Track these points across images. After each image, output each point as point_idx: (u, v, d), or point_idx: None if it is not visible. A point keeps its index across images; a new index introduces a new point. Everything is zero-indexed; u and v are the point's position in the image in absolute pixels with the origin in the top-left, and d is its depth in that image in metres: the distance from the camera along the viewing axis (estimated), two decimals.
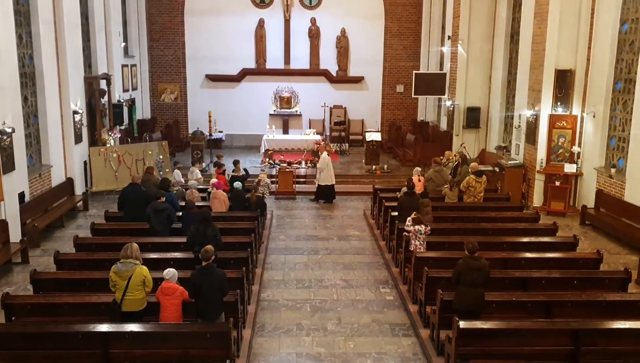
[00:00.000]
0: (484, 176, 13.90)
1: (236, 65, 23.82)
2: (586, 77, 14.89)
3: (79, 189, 15.80)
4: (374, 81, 24.37)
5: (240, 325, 8.33)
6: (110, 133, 17.56)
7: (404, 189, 12.49)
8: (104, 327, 7.18)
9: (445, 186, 13.90)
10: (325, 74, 24.13)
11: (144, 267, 7.61)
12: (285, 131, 23.48)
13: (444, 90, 20.23)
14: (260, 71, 24.01)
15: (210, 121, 20.47)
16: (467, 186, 13.43)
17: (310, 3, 23.95)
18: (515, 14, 18.20)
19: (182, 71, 23.95)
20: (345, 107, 24.07)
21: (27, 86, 13.82)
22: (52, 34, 14.61)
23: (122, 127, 19.19)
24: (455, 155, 16.02)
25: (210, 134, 20.48)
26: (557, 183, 15.13)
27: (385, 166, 19.69)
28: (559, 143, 15.24)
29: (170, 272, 7.58)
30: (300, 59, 24.08)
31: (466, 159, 15.77)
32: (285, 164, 17.91)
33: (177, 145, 22.51)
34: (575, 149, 15.13)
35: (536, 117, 15.53)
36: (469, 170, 14.06)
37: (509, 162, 16.42)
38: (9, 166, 11.76)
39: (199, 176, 15.99)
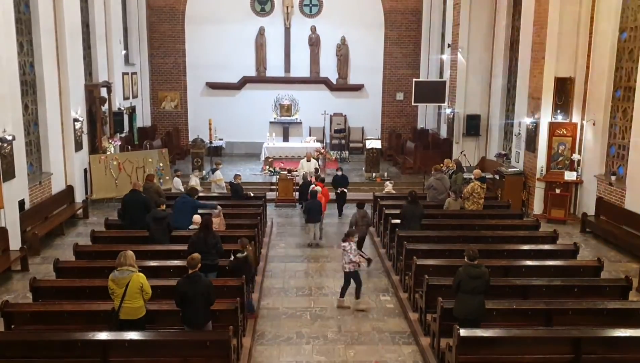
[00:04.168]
0: (486, 182, 13.94)
1: (236, 73, 23.89)
2: (586, 85, 14.93)
3: (79, 197, 15.80)
4: (374, 89, 24.42)
5: (240, 333, 8.31)
6: (110, 141, 17.57)
7: None
8: (103, 335, 7.16)
9: (450, 197, 13.77)
10: (326, 82, 24.19)
11: (141, 274, 7.59)
12: (286, 139, 23.51)
13: (444, 98, 20.27)
14: (260, 78, 24.07)
15: (210, 129, 20.51)
16: (471, 192, 13.42)
17: (311, 11, 24.05)
18: (514, 22, 18.27)
19: (182, 79, 24.01)
20: (345, 115, 24.11)
21: (27, 94, 13.85)
22: (53, 42, 14.66)
23: (123, 135, 19.20)
24: (452, 163, 16.03)
25: (211, 142, 20.52)
26: (557, 191, 15.13)
27: (386, 174, 19.69)
28: (559, 151, 15.26)
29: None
30: (301, 67, 24.14)
31: (461, 167, 15.78)
32: (285, 172, 17.89)
33: (178, 153, 22.53)
34: (575, 156, 15.14)
35: (536, 125, 15.55)
36: (472, 177, 14.08)
37: (509, 170, 16.43)
38: (9, 174, 11.77)
39: (196, 182, 15.98)
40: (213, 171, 16.73)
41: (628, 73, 13.62)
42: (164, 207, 11.03)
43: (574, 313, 8.22)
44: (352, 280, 10.11)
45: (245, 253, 9.43)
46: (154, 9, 23.37)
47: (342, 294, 10.17)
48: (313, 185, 14.64)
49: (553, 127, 15.23)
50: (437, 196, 14.05)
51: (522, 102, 16.60)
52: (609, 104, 14.26)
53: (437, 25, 22.82)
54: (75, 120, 15.51)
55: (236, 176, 15.07)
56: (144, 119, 23.26)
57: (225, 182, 16.22)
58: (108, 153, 16.95)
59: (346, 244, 9.91)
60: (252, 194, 15.15)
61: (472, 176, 14.16)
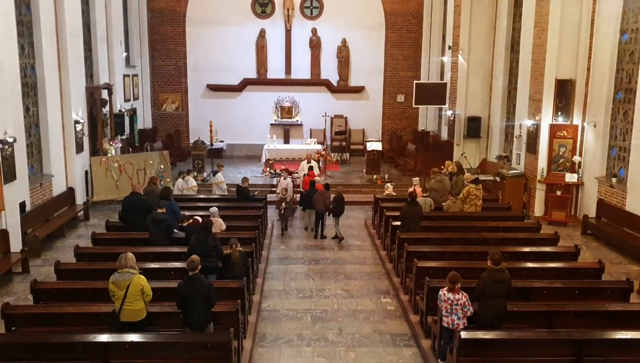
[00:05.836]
0: (480, 183, 13.97)
1: (237, 75, 23.91)
2: (587, 87, 14.92)
3: (80, 198, 15.80)
4: (375, 91, 24.44)
5: (241, 335, 8.30)
6: (111, 143, 17.58)
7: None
8: (104, 337, 7.16)
9: (450, 199, 13.77)
10: (326, 84, 24.20)
11: (142, 277, 7.59)
12: (286, 141, 23.54)
13: (445, 100, 20.27)
14: (261, 80, 24.09)
15: (211, 131, 20.54)
16: (467, 195, 13.42)
17: (311, 13, 24.07)
18: (515, 23, 18.27)
19: (183, 81, 24.05)
20: (346, 117, 24.12)
21: (28, 96, 13.86)
22: (54, 44, 14.67)
23: (124, 137, 19.22)
24: (452, 165, 16.02)
25: (212, 144, 20.53)
26: (558, 193, 15.11)
27: (386, 176, 19.68)
28: (560, 153, 15.25)
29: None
30: (301, 69, 24.17)
31: (462, 169, 15.79)
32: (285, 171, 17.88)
33: (178, 155, 22.54)
34: (576, 158, 15.13)
35: (537, 127, 15.54)
36: (464, 181, 14.10)
37: (510, 171, 16.42)
38: (10, 176, 11.78)
39: (194, 184, 15.94)
40: (214, 173, 16.73)
41: (629, 75, 13.61)
42: (164, 210, 11.01)
43: (575, 316, 8.22)
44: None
45: (229, 251, 9.47)
46: (155, 11, 23.40)
47: (444, 356, 7.91)
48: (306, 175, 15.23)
49: (554, 129, 15.22)
50: (438, 198, 14.04)
51: (523, 104, 16.60)
52: (610, 106, 14.24)
53: (437, 27, 22.84)
54: (76, 122, 15.52)
55: (244, 180, 15.06)
56: (144, 121, 23.28)
57: (226, 184, 16.24)
58: (109, 154, 16.95)
59: (459, 295, 7.66)
60: (256, 193, 15.41)
61: (465, 180, 14.16)
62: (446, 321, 7.74)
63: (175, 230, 11.29)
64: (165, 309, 8.09)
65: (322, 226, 14.37)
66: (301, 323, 9.58)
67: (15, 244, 11.74)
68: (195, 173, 17.56)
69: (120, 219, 12.60)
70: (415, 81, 21.15)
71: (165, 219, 10.84)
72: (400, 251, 11.21)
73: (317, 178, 15.37)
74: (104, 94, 17.73)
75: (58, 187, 14.90)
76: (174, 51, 23.79)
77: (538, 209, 15.58)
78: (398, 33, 24.03)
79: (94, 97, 16.97)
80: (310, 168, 16.41)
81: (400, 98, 24.47)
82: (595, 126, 14.61)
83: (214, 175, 16.77)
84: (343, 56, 24.06)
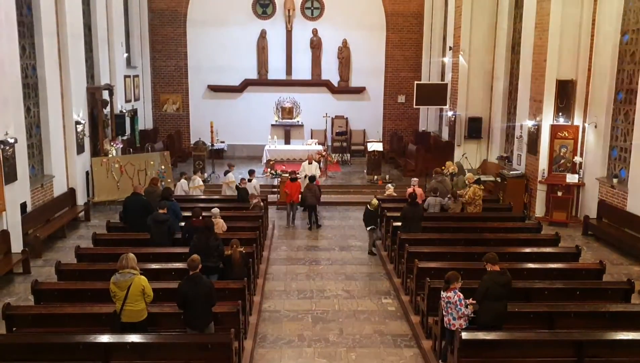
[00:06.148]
0: (482, 183, 13.99)
1: (238, 75, 23.91)
2: (587, 88, 14.91)
3: (81, 199, 15.81)
4: (376, 92, 24.43)
5: (242, 336, 8.30)
6: (112, 144, 17.60)
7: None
8: (105, 338, 7.17)
9: (449, 200, 13.78)
10: (327, 84, 24.20)
11: (143, 277, 7.59)
12: (287, 142, 23.52)
13: (446, 100, 20.28)
14: (262, 81, 24.09)
15: (212, 132, 20.53)
16: (473, 196, 13.41)
17: (312, 14, 24.08)
18: (516, 24, 18.27)
19: (184, 82, 24.04)
20: (346, 118, 24.12)
21: (29, 97, 13.88)
22: (55, 45, 14.69)
23: (124, 137, 19.22)
24: (453, 166, 16.03)
25: (212, 145, 20.53)
26: (559, 193, 15.11)
27: (387, 176, 19.68)
28: (561, 153, 15.25)
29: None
30: (302, 70, 24.17)
31: (463, 170, 15.78)
32: (287, 174, 17.87)
33: (179, 155, 22.55)
34: (577, 159, 15.12)
35: (538, 128, 15.54)
36: (465, 181, 14.08)
37: (511, 172, 16.42)
38: (11, 177, 11.79)
39: (200, 182, 15.96)
40: (226, 173, 16.72)
41: (630, 75, 13.61)
42: (165, 210, 11.01)
43: (576, 316, 8.21)
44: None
45: (230, 252, 9.49)
46: (155, 12, 23.41)
47: (445, 357, 7.91)
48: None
49: (555, 129, 15.22)
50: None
51: (524, 104, 16.59)
52: (611, 107, 14.23)
53: (438, 28, 22.82)
54: (77, 123, 15.53)
55: (242, 180, 15.08)
56: (145, 121, 23.28)
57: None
58: (110, 155, 16.97)
59: (451, 294, 7.65)
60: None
61: (467, 181, 14.14)
62: (445, 320, 7.75)
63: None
64: (166, 310, 8.10)
65: (315, 217, 15.16)
66: (302, 324, 9.58)
67: (16, 244, 11.76)
68: (200, 173, 17.59)
69: (121, 219, 12.62)
70: (416, 82, 21.16)
71: (166, 220, 10.85)
72: (401, 251, 11.21)
73: (297, 175, 16.28)
74: (105, 94, 17.74)
75: (59, 188, 14.91)
76: (174, 51, 23.79)
77: (539, 210, 15.58)
78: (399, 34, 24.03)
79: (95, 98, 16.99)
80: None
81: (401, 99, 24.46)
82: (596, 126, 14.61)
83: (224, 175, 16.77)
84: (344, 56, 24.05)
